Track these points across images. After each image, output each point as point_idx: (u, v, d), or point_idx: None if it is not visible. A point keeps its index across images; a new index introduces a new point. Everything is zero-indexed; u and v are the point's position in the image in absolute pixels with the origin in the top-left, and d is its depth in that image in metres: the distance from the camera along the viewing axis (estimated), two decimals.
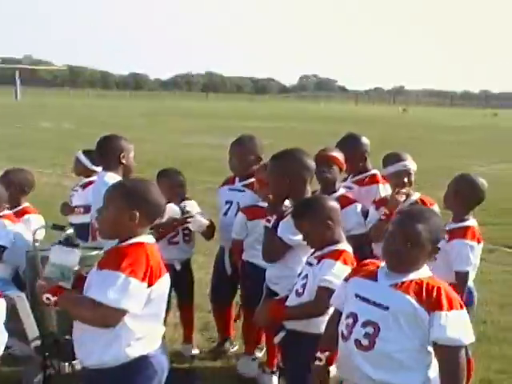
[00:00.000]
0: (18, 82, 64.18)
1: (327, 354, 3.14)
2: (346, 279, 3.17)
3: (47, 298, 2.96)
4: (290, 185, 3.96)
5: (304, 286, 3.57)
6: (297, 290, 3.61)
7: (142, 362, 2.97)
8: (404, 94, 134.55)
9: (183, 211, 4.98)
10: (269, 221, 4.02)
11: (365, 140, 5.21)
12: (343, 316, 3.06)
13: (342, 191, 4.70)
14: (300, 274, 3.67)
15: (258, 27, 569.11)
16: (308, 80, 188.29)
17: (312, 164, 4.04)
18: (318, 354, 3.16)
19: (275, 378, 4.80)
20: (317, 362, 3.15)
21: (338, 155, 4.70)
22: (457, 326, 2.82)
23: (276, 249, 3.93)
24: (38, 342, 3.85)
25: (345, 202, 4.47)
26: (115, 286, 2.81)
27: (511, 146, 26.30)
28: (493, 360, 5.25)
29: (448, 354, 2.82)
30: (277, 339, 3.75)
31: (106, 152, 4.54)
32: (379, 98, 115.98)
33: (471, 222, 4.39)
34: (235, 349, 5.37)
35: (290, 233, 3.82)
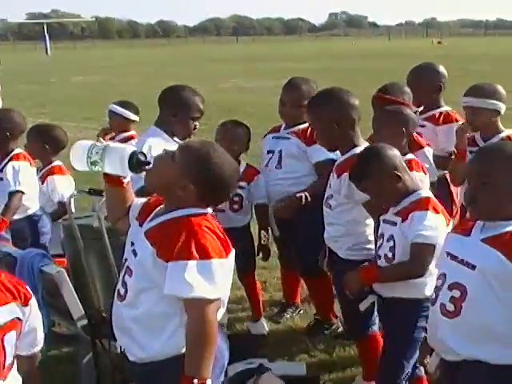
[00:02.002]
0: (47, 36, 63.85)
1: None
2: None
3: None
4: (340, 131, 3.53)
5: (392, 249, 3.09)
6: (385, 255, 3.14)
7: None
8: (436, 26, 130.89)
9: None
10: None
11: (442, 70, 4.65)
12: (436, 277, 2.62)
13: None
14: (382, 237, 3.19)
15: None
16: (338, 17, 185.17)
17: (357, 102, 3.59)
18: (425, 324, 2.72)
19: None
20: (424, 334, 2.72)
21: (399, 93, 4.16)
22: None
23: None
24: (85, 321, 3.44)
25: (413, 146, 3.95)
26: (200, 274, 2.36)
27: None
28: None
29: None
30: (363, 306, 3.29)
31: (161, 102, 4.04)
32: (411, 31, 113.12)
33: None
34: (300, 312, 4.95)
35: None
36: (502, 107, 4.10)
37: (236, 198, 4.46)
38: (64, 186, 4.76)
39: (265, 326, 4.74)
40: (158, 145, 3.65)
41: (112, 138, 5.84)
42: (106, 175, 2.67)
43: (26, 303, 2.26)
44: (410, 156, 3.67)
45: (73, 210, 3.79)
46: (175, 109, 3.92)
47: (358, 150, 3.54)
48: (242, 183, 4.40)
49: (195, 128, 4.02)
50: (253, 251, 4.63)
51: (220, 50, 62.00)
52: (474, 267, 2.41)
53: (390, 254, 3.13)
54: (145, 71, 30.31)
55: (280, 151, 4.40)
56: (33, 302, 2.30)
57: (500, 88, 4.13)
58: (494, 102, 4.06)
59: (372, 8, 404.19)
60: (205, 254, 2.38)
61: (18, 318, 2.22)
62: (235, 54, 50.05)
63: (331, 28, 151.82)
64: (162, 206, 2.63)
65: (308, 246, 4.21)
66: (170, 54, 53.78)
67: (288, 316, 4.87)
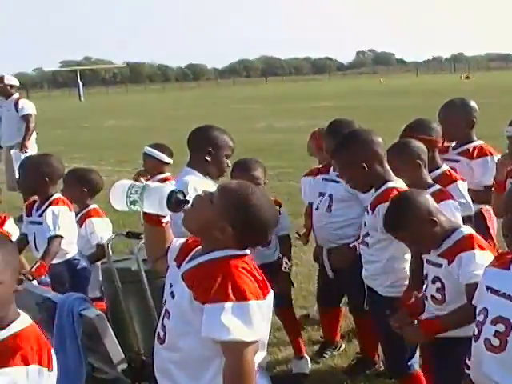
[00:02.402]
0: (80, 83, 65.33)
1: None
2: None
3: None
4: (370, 170, 3.52)
5: (440, 290, 3.05)
6: (433, 297, 3.10)
7: None
8: (464, 60, 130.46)
9: None
10: None
11: (473, 104, 4.64)
12: (476, 313, 2.57)
13: (444, 168, 4.13)
14: (426, 277, 3.16)
15: (309, 5, 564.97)
16: (365, 55, 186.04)
17: (380, 138, 3.61)
18: (468, 362, 2.65)
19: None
20: (467, 371, 2.65)
21: (430, 131, 4.16)
22: None
23: None
24: (125, 365, 3.44)
25: (446, 180, 3.96)
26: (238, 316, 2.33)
27: None
28: None
29: None
30: None
31: (193, 144, 4.03)
32: (439, 67, 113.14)
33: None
34: (340, 349, 4.85)
35: None
36: None
37: None
38: (102, 229, 4.82)
39: (308, 363, 4.69)
40: (201, 184, 3.72)
41: (146, 181, 5.90)
42: (145, 214, 2.66)
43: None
44: (437, 186, 3.66)
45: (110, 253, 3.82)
46: (207, 149, 3.92)
47: (390, 184, 3.55)
48: None
49: (228, 166, 4.04)
50: (288, 286, 4.63)
51: (250, 90, 62.58)
52: None
53: (438, 296, 3.08)
54: (176, 114, 30.69)
55: (330, 195, 4.40)
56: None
57: None
58: None
59: (399, 45, 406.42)
60: (242, 296, 2.35)
61: None
62: (265, 94, 50.50)
63: (359, 66, 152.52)
64: (199, 248, 2.62)
65: (357, 284, 4.16)
66: (201, 96, 54.44)
67: (327, 356, 4.80)
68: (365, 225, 3.71)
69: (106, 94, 75.00)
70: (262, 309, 2.41)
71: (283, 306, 4.64)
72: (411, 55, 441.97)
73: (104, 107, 44.40)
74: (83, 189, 4.86)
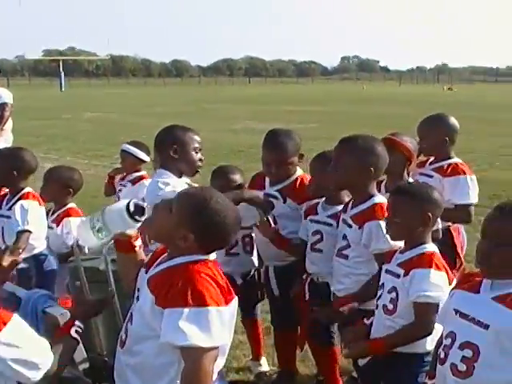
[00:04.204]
0: (62, 73, 64.81)
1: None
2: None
3: None
4: (373, 176, 3.49)
5: (393, 301, 3.03)
6: (385, 306, 3.08)
7: None
8: (447, 72, 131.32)
9: None
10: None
11: (451, 122, 4.57)
12: (443, 335, 2.55)
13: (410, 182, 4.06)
14: (382, 287, 3.13)
15: (297, 9, 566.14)
16: (350, 61, 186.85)
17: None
18: (427, 381, 2.65)
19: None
20: None
21: (408, 141, 4.16)
22: None
23: None
24: (87, 365, 3.39)
25: None
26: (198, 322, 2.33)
27: None
28: None
29: None
30: (362, 362, 3.21)
31: (158, 145, 3.88)
32: (422, 77, 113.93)
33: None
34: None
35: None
36: None
37: (247, 239, 4.44)
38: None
39: (266, 365, 4.66)
40: (177, 183, 3.63)
41: (123, 178, 5.86)
42: (117, 243, 2.70)
43: None
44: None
45: (86, 251, 3.72)
46: (172, 146, 3.76)
47: (376, 199, 3.50)
48: None
49: (201, 160, 3.86)
50: (261, 296, 4.59)
51: (232, 90, 62.50)
52: (487, 327, 2.36)
53: (390, 306, 3.05)
54: (156, 111, 30.53)
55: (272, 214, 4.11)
56: None
57: None
58: None
59: (384, 52, 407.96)
60: (201, 302, 2.35)
61: None
62: (247, 95, 50.43)
63: (343, 71, 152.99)
64: (166, 254, 2.62)
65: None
66: (183, 93, 54.22)
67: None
68: (343, 237, 3.61)
69: (88, 86, 74.45)
70: (223, 315, 2.40)
71: (254, 315, 4.65)
72: (395, 63, 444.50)
73: (84, 99, 44.07)
74: (68, 189, 4.71)
